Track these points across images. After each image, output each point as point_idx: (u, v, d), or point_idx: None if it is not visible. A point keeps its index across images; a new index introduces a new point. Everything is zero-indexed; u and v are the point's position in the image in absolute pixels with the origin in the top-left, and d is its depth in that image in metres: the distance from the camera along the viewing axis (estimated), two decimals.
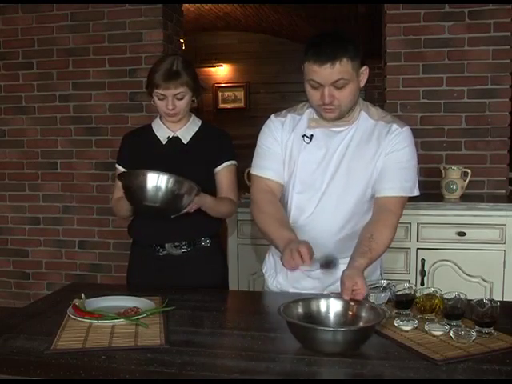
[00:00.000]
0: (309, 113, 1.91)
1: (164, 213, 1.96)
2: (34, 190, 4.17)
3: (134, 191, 1.92)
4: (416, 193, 1.88)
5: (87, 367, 1.34)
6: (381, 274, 2.04)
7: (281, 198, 1.95)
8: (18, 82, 4.10)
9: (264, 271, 2.11)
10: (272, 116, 1.98)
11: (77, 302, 1.71)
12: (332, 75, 1.70)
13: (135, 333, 1.55)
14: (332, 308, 1.56)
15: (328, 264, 1.88)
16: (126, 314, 1.65)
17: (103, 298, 1.81)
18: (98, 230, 4.09)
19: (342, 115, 1.81)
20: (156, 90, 2.08)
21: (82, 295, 1.76)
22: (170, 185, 1.89)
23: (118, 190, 2.16)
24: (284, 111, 1.98)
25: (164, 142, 2.18)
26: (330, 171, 1.85)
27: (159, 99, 2.10)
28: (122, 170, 2.19)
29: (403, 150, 1.84)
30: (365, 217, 1.87)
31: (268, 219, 1.87)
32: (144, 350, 1.44)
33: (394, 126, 1.85)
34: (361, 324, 1.49)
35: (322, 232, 1.87)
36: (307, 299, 1.59)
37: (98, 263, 4.10)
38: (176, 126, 2.18)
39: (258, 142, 1.99)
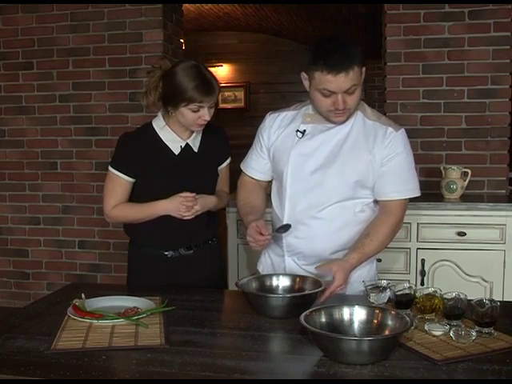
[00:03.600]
0: (304, 109, 1.99)
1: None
2: (34, 190, 4.17)
3: (256, 305, 1.74)
4: (416, 194, 1.94)
5: (87, 367, 1.35)
6: (375, 271, 2.06)
7: (277, 192, 2.02)
8: (18, 81, 4.11)
9: (260, 270, 2.14)
10: (267, 114, 2.08)
11: (77, 301, 1.71)
12: (346, 83, 1.77)
13: (135, 333, 1.55)
14: (356, 316, 1.49)
15: (284, 227, 1.93)
16: (125, 314, 1.65)
17: (103, 298, 1.81)
18: (97, 229, 4.09)
19: (349, 117, 1.88)
20: (194, 104, 1.95)
21: (82, 295, 1.76)
22: (292, 301, 1.70)
23: (116, 196, 2.09)
24: (281, 109, 2.06)
25: (177, 153, 2.09)
26: (322, 164, 1.90)
27: (193, 111, 1.97)
28: (123, 176, 2.07)
29: (401, 155, 1.90)
30: (358, 216, 1.93)
31: (239, 203, 2.11)
32: (144, 350, 1.44)
33: (390, 129, 1.90)
34: (386, 332, 1.43)
35: (316, 224, 1.91)
36: (330, 307, 1.52)
37: (98, 263, 4.10)
38: (186, 134, 2.10)
39: (254, 139, 2.10)
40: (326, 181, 1.89)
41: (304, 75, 1.85)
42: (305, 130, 1.94)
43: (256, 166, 2.10)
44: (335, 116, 1.85)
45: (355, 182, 1.89)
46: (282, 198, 1.97)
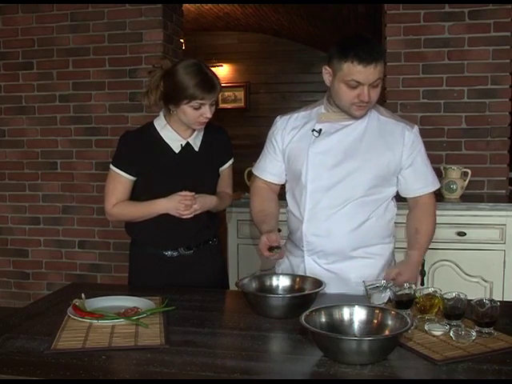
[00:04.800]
0: (317, 110, 2.01)
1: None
2: (34, 190, 4.17)
3: (256, 305, 1.74)
4: (438, 185, 2.10)
5: (87, 367, 1.35)
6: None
7: (294, 192, 2.03)
8: (18, 81, 4.11)
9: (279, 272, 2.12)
10: (277, 117, 2.10)
11: (77, 302, 1.71)
12: (374, 75, 1.81)
13: (135, 333, 1.55)
14: (356, 316, 1.50)
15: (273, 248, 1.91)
16: (126, 314, 1.65)
17: (103, 298, 1.81)
18: (97, 229, 4.09)
19: (367, 112, 1.93)
20: (196, 101, 1.96)
21: (82, 295, 1.76)
22: (292, 301, 1.71)
23: (117, 194, 2.09)
24: (291, 112, 2.09)
25: (177, 151, 2.10)
26: (341, 160, 1.93)
27: (195, 108, 1.98)
28: (124, 174, 2.07)
29: (421, 150, 2.00)
30: (378, 212, 1.97)
31: (253, 210, 2.12)
32: (144, 350, 1.44)
33: (407, 127, 1.97)
34: (386, 332, 1.43)
35: (337, 221, 1.93)
36: (330, 307, 1.51)
37: (98, 263, 4.10)
38: (187, 133, 2.11)
39: (265, 143, 2.12)
40: (346, 177, 1.92)
41: (327, 69, 1.88)
42: (321, 129, 1.96)
43: (270, 169, 2.10)
44: (357, 109, 1.88)
45: (375, 178, 1.93)
46: (302, 196, 1.97)
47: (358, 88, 1.82)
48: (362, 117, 1.92)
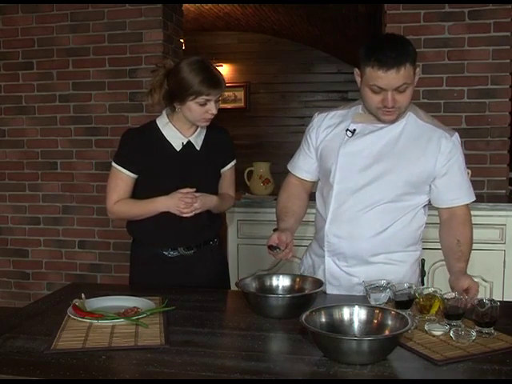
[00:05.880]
0: (354, 109, 1.97)
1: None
2: (34, 190, 4.17)
3: (256, 305, 1.75)
4: (474, 197, 1.98)
5: (87, 367, 1.35)
6: (420, 275, 2.13)
7: (322, 191, 2.00)
8: (18, 81, 4.11)
9: (302, 271, 2.11)
10: (315, 114, 2.07)
11: (77, 302, 1.71)
12: (397, 80, 1.73)
13: (135, 333, 1.55)
14: (356, 316, 1.50)
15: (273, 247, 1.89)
16: (126, 314, 1.65)
17: (103, 298, 1.81)
18: (97, 229, 4.09)
19: (399, 117, 1.86)
20: (202, 97, 1.98)
21: (82, 295, 1.76)
22: (292, 301, 1.71)
23: (118, 191, 2.11)
24: (329, 109, 2.05)
25: (178, 149, 2.11)
26: (370, 163, 1.88)
27: (200, 105, 2.00)
28: (125, 172, 2.09)
29: (458, 159, 1.94)
30: (404, 220, 1.92)
31: (278, 205, 2.08)
32: (144, 350, 1.44)
33: (445, 134, 1.90)
34: (386, 332, 1.43)
35: (360, 224, 1.89)
36: (330, 307, 1.52)
37: (98, 263, 4.10)
38: (189, 132, 2.12)
39: (302, 140, 2.09)
40: (374, 181, 1.87)
41: (356, 71, 1.83)
42: (355, 130, 1.91)
43: (303, 166, 2.07)
44: (384, 114, 1.82)
45: (405, 185, 1.87)
46: (328, 196, 1.94)
47: (382, 93, 1.76)
48: (391, 122, 1.86)
